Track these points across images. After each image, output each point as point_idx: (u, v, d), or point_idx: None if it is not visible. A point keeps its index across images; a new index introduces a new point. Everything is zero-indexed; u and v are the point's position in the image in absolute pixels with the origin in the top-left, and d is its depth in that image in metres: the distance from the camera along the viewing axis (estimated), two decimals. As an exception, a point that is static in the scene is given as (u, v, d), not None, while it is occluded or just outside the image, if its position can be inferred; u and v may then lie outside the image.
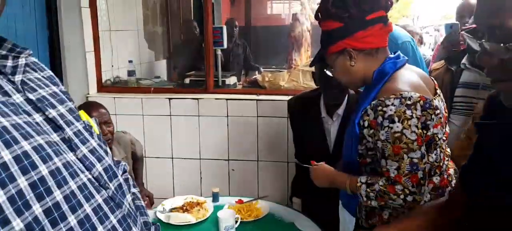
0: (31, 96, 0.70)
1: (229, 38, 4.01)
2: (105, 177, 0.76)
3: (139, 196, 0.96)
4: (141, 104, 2.95)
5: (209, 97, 2.89)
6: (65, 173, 0.67)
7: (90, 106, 2.06)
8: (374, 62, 1.32)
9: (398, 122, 1.19)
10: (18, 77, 0.71)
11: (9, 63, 0.71)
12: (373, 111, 1.23)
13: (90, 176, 0.72)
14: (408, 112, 1.19)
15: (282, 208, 2.00)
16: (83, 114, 0.83)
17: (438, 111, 1.26)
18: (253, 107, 2.82)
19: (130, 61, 3.23)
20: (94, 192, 0.71)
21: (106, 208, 0.72)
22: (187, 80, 3.10)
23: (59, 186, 0.65)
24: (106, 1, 3.20)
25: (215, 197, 2.07)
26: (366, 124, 1.26)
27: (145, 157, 3.00)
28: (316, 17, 1.37)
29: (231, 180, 2.95)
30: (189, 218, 1.79)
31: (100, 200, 0.71)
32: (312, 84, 2.92)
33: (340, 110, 1.93)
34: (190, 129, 2.91)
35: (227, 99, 2.85)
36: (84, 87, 2.99)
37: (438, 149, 1.31)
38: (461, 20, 2.36)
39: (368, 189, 1.26)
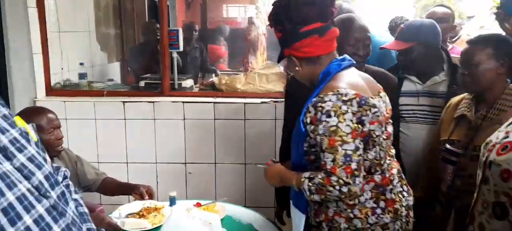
0: None
1: (188, 41, 3.99)
2: (46, 185, 0.72)
3: (82, 202, 0.93)
4: (94, 108, 2.86)
5: (165, 101, 2.85)
6: (1, 185, 0.64)
7: (37, 112, 1.97)
8: (318, 66, 1.41)
9: (334, 116, 1.27)
10: None
11: None
12: (313, 108, 1.31)
13: (29, 186, 0.69)
14: (344, 107, 1.28)
15: (240, 210, 2.01)
16: (19, 120, 0.78)
17: (375, 109, 1.34)
18: (210, 110, 2.81)
19: (81, 64, 3.12)
20: (34, 202, 0.68)
21: (48, 218, 0.69)
22: (142, 83, 3.04)
23: None
24: (55, 1, 3.07)
25: (172, 201, 2.04)
26: (308, 120, 1.33)
27: (98, 162, 2.91)
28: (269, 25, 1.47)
29: (189, 183, 2.92)
30: (144, 224, 1.75)
31: (41, 210, 0.67)
32: (268, 87, 2.97)
33: None
34: (146, 132, 2.85)
35: (183, 102, 2.83)
36: (31, 91, 2.85)
37: (377, 147, 1.38)
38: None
39: (310, 183, 1.32)
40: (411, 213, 1.48)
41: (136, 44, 4.41)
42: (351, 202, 1.36)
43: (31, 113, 1.96)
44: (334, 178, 1.27)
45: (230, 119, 2.82)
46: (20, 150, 0.71)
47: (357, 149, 1.28)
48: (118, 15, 4.15)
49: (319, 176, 1.30)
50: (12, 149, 0.70)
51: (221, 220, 1.85)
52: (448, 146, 1.73)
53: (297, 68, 1.43)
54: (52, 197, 0.73)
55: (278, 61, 1.81)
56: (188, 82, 3.09)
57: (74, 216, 0.80)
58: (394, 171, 1.46)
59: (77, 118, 2.86)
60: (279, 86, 2.98)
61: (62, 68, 3.13)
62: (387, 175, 1.41)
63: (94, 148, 2.89)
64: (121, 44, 4.21)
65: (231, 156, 2.83)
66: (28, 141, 0.76)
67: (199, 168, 2.90)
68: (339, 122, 1.27)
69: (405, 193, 1.48)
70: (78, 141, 2.83)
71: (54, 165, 0.95)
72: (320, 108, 1.29)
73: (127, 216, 1.83)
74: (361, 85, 1.38)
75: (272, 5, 1.43)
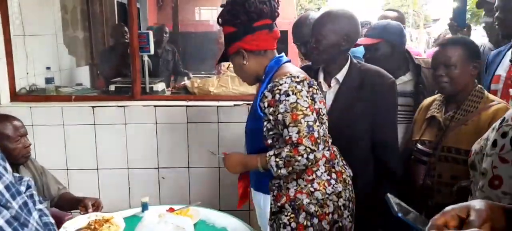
0: None
1: (158, 44, 3.93)
2: (7, 196, 0.72)
3: (47, 212, 0.91)
4: (62, 113, 2.77)
5: (136, 105, 2.80)
6: None
7: (1, 120, 1.89)
8: (264, 60, 1.59)
9: (292, 94, 1.44)
10: None
11: None
12: (270, 93, 1.48)
13: None
14: (299, 86, 1.46)
15: (214, 214, 1.99)
16: None
17: (319, 92, 1.57)
18: (182, 113, 2.78)
19: (48, 68, 3.02)
20: None
21: (9, 230, 0.68)
22: (112, 87, 2.97)
23: None
24: (19, 3, 2.96)
25: (144, 206, 2.00)
26: (266, 104, 1.49)
27: (67, 169, 2.83)
28: (218, 22, 1.61)
29: (162, 188, 2.88)
30: None
31: (1, 222, 0.67)
32: (241, 89, 2.97)
33: (340, 76, 1.82)
34: (117, 137, 2.79)
35: (155, 106, 2.78)
36: (-6, 97, 2.74)
37: (324, 125, 1.57)
38: None
39: (276, 159, 1.44)
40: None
41: (105, 47, 4.32)
42: (310, 178, 1.52)
43: (1, 121, 1.88)
44: (301, 148, 1.40)
45: (203, 122, 2.80)
46: None
47: (315, 120, 1.44)
48: (86, 18, 4.05)
49: (286, 150, 1.42)
50: None
51: (195, 224, 1.83)
52: (419, 146, 1.77)
53: (245, 62, 1.58)
54: (13, 208, 0.71)
55: (219, 62, 1.87)
56: (159, 86, 3.05)
57: (38, 226, 0.78)
58: (335, 148, 1.65)
59: (44, 124, 2.77)
60: (252, 89, 2.98)
61: (27, 73, 3.02)
62: (332, 151, 1.61)
63: (63, 155, 2.81)
64: (90, 48, 4.11)
65: (205, 160, 2.81)
66: None
67: (172, 172, 2.86)
68: (298, 98, 1.43)
69: (346, 166, 1.67)
70: (46, 148, 2.74)
71: (17, 175, 0.92)
72: (277, 90, 1.45)
73: None
74: (304, 73, 1.57)
75: (226, 3, 1.57)
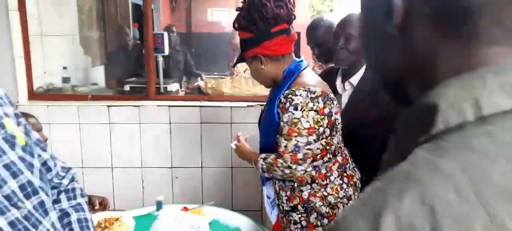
0: None
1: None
2: (20, 195, 0.70)
3: (85, 207, 0.90)
4: (78, 112, 2.82)
5: (150, 104, 2.83)
6: None
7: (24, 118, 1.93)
8: (282, 65, 1.59)
9: (300, 110, 1.46)
10: None
11: None
12: (285, 99, 1.50)
13: None
14: (310, 104, 1.47)
15: (227, 214, 2.00)
16: (8, 122, 0.76)
17: (336, 102, 1.57)
18: (196, 113, 2.80)
19: (65, 68, 3.08)
20: None
21: None
22: (127, 87, 3.02)
23: None
24: (37, 4, 3.02)
25: (158, 205, 2.02)
26: (280, 110, 1.51)
27: (83, 167, 2.87)
28: (234, 27, 1.61)
29: (175, 187, 2.90)
30: None
31: (3, 223, 0.66)
32: (254, 90, 2.98)
33: (353, 80, 1.80)
34: (131, 137, 2.83)
35: (169, 106, 2.81)
36: (13, 96, 2.79)
37: (338, 133, 1.60)
38: None
39: (263, 162, 1.56)
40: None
41: (119, 47, 4.37)
42: (324, 182, 1.56)
43: None
44: (280, 161, 1.50)
45: (217, 122, 2.82)
46: None
47: (308, 143, 1.48)
48: (102, 19, 4.10)
49: (271, 157, 1.54)
50: None
51: (209, 224, 1.85)
52: None
53: (262, 67, 1.58)
54: (25, 208, 0.70)
55: (235, 65, 1.88)
56: (173, 86, 3.08)
57: (52, 227, 0.76)
58: (346, 151, 1.69)
59: (61, 123, 2.82)
60: (265, 90, 2.99)
61: (45, 72, 3.08)
62: (344, 155, 1.65)
63: (78, 153, 2.85)
64: (105, 48, 4.17)
65: (218, 160, 2.83)
66: (13, 145, 0.74)
67: (186, 172, 2.88)
68: (302, 116, 1.46)
69: (355, 169, 1.70)
70: (62, 146, 2.79)
71: (62, 165, 0.93)
72: (290, 99, 1.48)
73: None
74: (323, 83, 1.59)
75: (241, 8, 1.56)
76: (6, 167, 0.70)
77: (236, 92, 2.98)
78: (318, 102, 1.47)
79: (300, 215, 1.59)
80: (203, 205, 2.04)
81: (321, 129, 1.49)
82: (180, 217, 1.42)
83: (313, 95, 1.47)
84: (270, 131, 1.58)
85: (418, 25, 0.41)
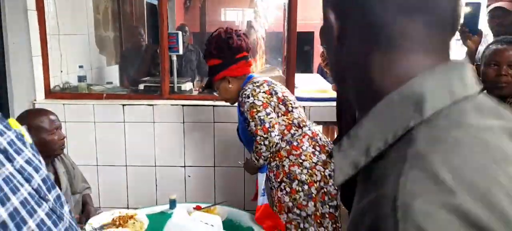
0: None
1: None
2: (44, 188, 0.71)
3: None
4: (93, 111, 2.86)
5: (164, 103, 2.85)
6: (6, 189, 0.63)
7: (38, 113, 1.97)
8: (241, 82, 2.04)
9: (251, 97, 1.91)
10: None
11: None
12: (240, 97, 1.97)
13: (30, 189, 0.67)
14: (257, 89, 1.94)
15: (240, 213, 2.01)
16: (13, 122, 0.76)
17: (280, 84, 2.06)
18: (209, 113, 2.82)
19: (81, 67, 3.12)
20: (35, 206, 0.67)
21: (49, 223, 0.68)
22: (141, 86, 3.04)
23: (2, 204, 0.61)
24: (55, 4, 3.07)
25: (172, 204, 2.05)
26: (241, 109, 1.96)
27: (97, 165, 2.91)
28: (204, 57, 2.10)
29: (188, 186, 2.92)
30: None
31: (42, 215, 0.67)
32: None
33: None
34: (145, 135, 2.86)
35: (183, 105, 2.83)
36: (31, 93, 2.85)
37: (297, 109, 1.99)
38: None
39: (253, 155, 1.93)
40: None
41: (132, 47, 4.41)
42: (298, 152, 1.89)
43: (33, 115, 1.96)
44: (258, 138, 1.87)
45: (230, 121, 2.82)
46: (18, 152, 0.69)
47: (268, 114, 1.88)
48: (117, 18, 4.15)
49: (254, 145, 1.89)
50: (11, 151, 0.68)
51: (222, 222, 1.86)
52: None
53: (230, 86, 2.03)
54: (50, 200, 0.71)
55: (206, 87, 2.28)
56: (187, 86, 3.09)
57: (70, 219, 0.78)
58: (316, 128, 2.05)
59: (76, 121, 2.86)
60: (278, 90, 3.00)
61: (61, 71, 3.12)
62: (313, 131, 1.99)
63: (93, 151, 2.89)
64: (120, 47, 4.21)
65: (231, 159, 2.84)
66: (24, 143, 0.75)
67: (199, 171, 2.90)
68: (254, 99, 1.90)
69: (328, 141, 2.02)
70: (77, 144, 2.84)
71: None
72: (243, 95, 1.94)
73: (102, 228, 1.78)
74: (267, 77, 2.09)
75: (210, 41, 2.03)
76: (28, 162, 0.70)
77: (249, 92, 2.99)
78: (263, 87, 1.95)
79: (285, 184, 1.91)
80: (216, 204, 2.05)
81: (273, 104, 1.92)
82: (194, 215, 1.43)
83: (257, 84, 1.96)
84: (241, 126, 2.02)
85: (353, 39, 0.55)
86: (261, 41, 3.39)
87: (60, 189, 2.02)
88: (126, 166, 2.92)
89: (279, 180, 1.91)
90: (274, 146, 1.87)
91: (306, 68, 4.50)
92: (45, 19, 2.88)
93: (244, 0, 5.20)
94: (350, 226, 0.50)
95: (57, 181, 2.03)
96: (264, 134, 1.86)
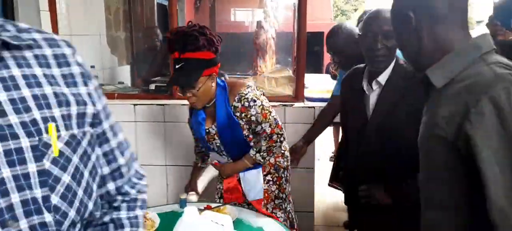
0: None
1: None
2: (18, 211, 0.65)
3: (138, 222, 0.89)
4: (104, 110, 2.88)
5: (174, 103, 2.87)
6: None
7: None
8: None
9: (257, 100, 1.90)
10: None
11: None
12: (240, 103, 1.89)
13: None
14: (258, 93, 1.96)
15: (250, 213, 2.01)
16: (52, 128, 0.71)
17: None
18: (219, 113, 2.82)
19: (92, 67, 3.15)
20: None
21: None
22: (152, 86, 3.06)
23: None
24: (67, 5, 3.11)
25: (182, 203, 2.05)
26: (238, 114, 1.91)
27: (109, 164, 2.93)
28: (190, 48, 1.78)
29: (198, 186, 2.93)
30: None
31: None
32: (277, 90, 2.98)
33: (381, 79, 1.75)
34: (156, 135, 2.87)
35: (193, 105, 2.84)
36: (43, 93, 2.88)
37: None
38: None
39: (260, 154, 1.97)
40: None
41: (144, 47, 4.44)
42: (279, 143, 1.99)
43: None
44: (274, 137, 1.94)
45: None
46: (12, 164, 0.66)
47: (274, 114, 1.95)
48: (128, 19, 4.18)
49: (263, 143, 1.95)
50: (2, 160, 0.65)
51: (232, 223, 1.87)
52: None
53: (213, 85, 1.89)
54: (15, 227, 0.67)
55: (185, 85, 1.89)
56: (197, 86, 3.10)
57: None
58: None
59: (88, 120, 2.89)
60: (288, 90, 2.99)
61: (73, 71, 3.15)
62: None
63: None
64: (131, 48, 4.24)
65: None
66: (42, 155, 0.71)
67: (208, 170, 2.90)
68: (262, 102, 1.92)
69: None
70: (89, 143, 2.86)
71: (138, 169, 1.00)
72: (245, 99, 1.89)
73: None
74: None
75: (201, 32, 1.80)
76: (16, 178, 0.65)
77: (259, 92, 2.98)
78: (256, 89, 1.99)
79: (271, 175, 2.09)
80: (226, 204, 2.05)
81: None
82: (204, 214, 1.43)
83: (251, 88, 1.95)
84: (235, 132, 1.95)
85: (426, 26, 1.10)
86: (271, 41, 3.38)
87: None
88: (136, 165, 2.94)
89: (265, 172, 2.08)
90: (284, 141, 2.01)
91: (316, 68, 4.49)
92: (57, 20, 2.92)
93: (254, 0, 5.18)
94: (425, 139, 1.09)
95: None
96: (280, 131, 1.95)
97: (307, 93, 3.06)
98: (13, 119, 0.64)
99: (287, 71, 3.10)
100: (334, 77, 4.21)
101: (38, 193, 0.66)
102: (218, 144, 2.03)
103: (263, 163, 2.01)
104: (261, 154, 1.96)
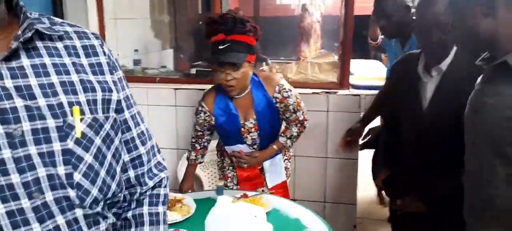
0: None
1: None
2: (44, 184, 0.70)
3: (159, 219, 0.91)
4: (146, 94, 2.91)
5: (215, 88, 2.82)
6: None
7: None
8: None
9: (292, 90, 2.02)
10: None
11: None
12: (279, 94, 1.99)
13: (18, 180, 0.68)
14: (290, 86, 2.06)
15: (288, 203, 1.94)
16: (77, 110, 0.75)
17: None
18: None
19: (136, 51, 3.18)
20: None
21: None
22: (193, 71, 3.04)
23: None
24: (112, -12, 3.15)
25: (219, 190, 2.01)
26: (278, 104, 2.01)
27: (150, 147, 2.96)
28: (236, 31, 1.80)
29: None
30: (174, 216, 1.70)
31: (14, 208, 0.68)
32: (320, 77, 2.86)
33: (443, 65, 1.59)
34: (196, 120, 2.85)
35: (233, 90, 2.78)
36: (89, 76, 2.94)
37: None
38: None
39: (290, 139, 2.08)
40: None
41: (187, 31, 4.44)
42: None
43: None
44: (306, 123, 2.07)
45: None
46: (38, 142, 0.72)
47: None
48: (172, 3, 4.19)
49: (294, 129, 2.06)
50: (29, 137, 0.71)
51: (268, 213, 1.80)
52: None
53: (250, 72, 1.93)
54: (41, 199, 0.72)
55: (243, 60, 1.87)
56: (239, 70, 3.05)
57: (65, 225, 0.77)
58: None
59: (131, 104, 2.92)
60: (332, 76, 2.86)
61: (118, 54, 3.20)
62: None
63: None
64: (174, 32, 4.26)
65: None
66: (66, 135, 0.76)
67: (248, 157, 2.85)
68: (294, 93, 2.02)
69: None
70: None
71: (160, 160, 1.02)
72: (283, 90, 1.99)
73: None
74: None
75: (241, 17, 1.84)
76: (41, 155, 0.70)
77: (302, 78, 2.88)
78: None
79: (286, 153, 2.21)
80: (263, 193, 1.99)
81: None
82: (238, 204, 1.38)
83: (283, 79, 2.05)
84: (273, 121, 2.06)
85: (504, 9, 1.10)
86: (316, 25, 3.25)
87: None
88: (177, 149, 2.95)
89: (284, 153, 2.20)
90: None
91: (364, 54, 4.27)
92: (102, 4, 2.96)
93: (301, -17, 5.03)
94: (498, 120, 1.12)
95: None
96: (307, 118, 2.08)
97: (352, 80, 2.91)
98: (41, 101, 0.71)
99: (331, 56, 2.96)
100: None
101: (61, 170, 0.72)
102: (253, 137, 2.04)
103: (292, 146, 2.13)
104: (292, 139, 2.07)
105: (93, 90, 0.78)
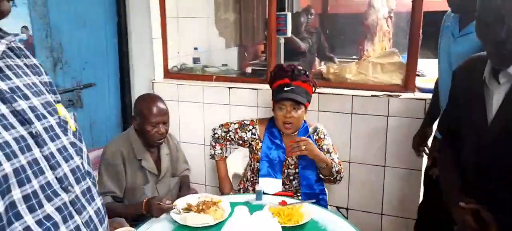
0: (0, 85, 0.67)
1: (300, 26, 3.82)
2: (71, 179, 0.73)
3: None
4: (202, 92, 2.93)
5: (267, 88, 2.74)
6: (29, 172, 0.65)
7: (148, 102, 2.03)
8: None
9: (328, 136, 2.17)
10: None
11: None
12: (316, 135, 2.14)
13: (52, 177, 0.69)
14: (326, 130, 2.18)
15: (328, 215, 1.80)
16: (60, 108, 0.78)
17: None
18: (313, 101, 2.61)
19: (196, 48, 3.22)
20: (52, 194, 0.68)
21: (58, 217, 0.69)
22: (249, 69, 3.00)
23: (21, 184, 0.63)
24: (176, -12, 3.22)
25: (258, 195, 1.94)
26: (317, 143, 2.12)
27: (204, 145, 2.99)
28: (303, 79, 2.07)
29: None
30: (207, 219, 1.66)
31: (50, 210, 0.67)
32: (382, 78, 2.64)
33: None
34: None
35: (287, 91, 2.68)
36: (150, 73, 3.05)
37: None
38: None
39: (336, 171, 2.09)
40: None
41: (253, 30, 4.42)
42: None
43: (142, 102, 2.04)
44: (342, 174, 2.11)
45: (335, 111, 2.59)
46: (52, 139, 0.71)
47: None
48: (238, 1, 4.19)
49: (336, 168, 2.09)
50: (45, 136, 0.70)
51: (306, 224, 1.69)
52: None
53: (305, 117, 2.14)
54: (74, 192, 0.73)
55: (306, 100, 2.11)
56: (295, 70, 2.93)
57: (95, 215, 0.79)
58: None
59: (188, 101, 2.97)
60: (396, 78, 2.62)
61: (178, 53, 3.28)
62: None
63: (201, 131, 2.98)
64: (239, 30, 4.25)
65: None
66: (65, 130, 0.77)
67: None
68: (330, 140, 2.16)
69: None
70: (187, 123, 2.95)
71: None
72: (321, 132, 2.15)
73: (185, 211, 1.75)
74: None
75: (303, 69, 2.13)
76: (59, 151, 0.72)
77: (361, 79, 2.68)
78: None
79: None
80: (303, 202, 1.88)
81: None
82: (254, 216, 1.29)
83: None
84: (313, 161, 2.07)
85: None
86: (382, 22, 3.00)
87: (160, 171, 2.09)
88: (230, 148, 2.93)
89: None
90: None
91: (436, 53, 3.88)
92: (165, 3, 3.04)
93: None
94: None
95: (159, 162, 2.11)
96: (343, 170, 2.15)
97: (421, 82, 2.64)
98: (35, 101, 0.72)
99: (396, 56, 2.72)
100: None
101: (78, 161, 0.75)
102: (290, 173, 2.17)
103: (336, 179, 2.13)
104: (337, 172, 2.11)
105: (54, 92, 0.82)
